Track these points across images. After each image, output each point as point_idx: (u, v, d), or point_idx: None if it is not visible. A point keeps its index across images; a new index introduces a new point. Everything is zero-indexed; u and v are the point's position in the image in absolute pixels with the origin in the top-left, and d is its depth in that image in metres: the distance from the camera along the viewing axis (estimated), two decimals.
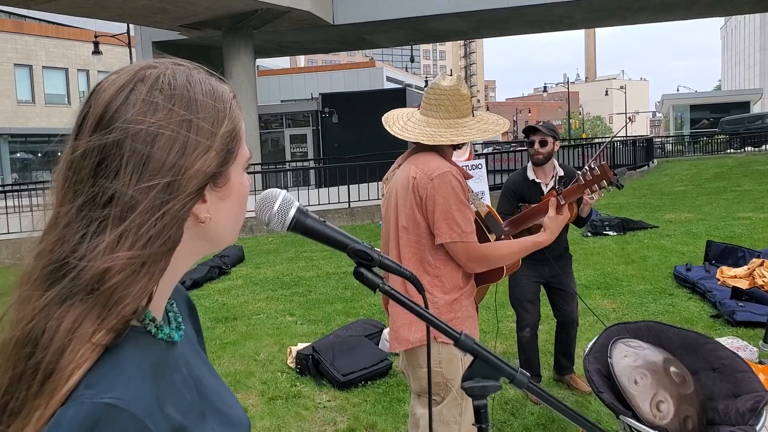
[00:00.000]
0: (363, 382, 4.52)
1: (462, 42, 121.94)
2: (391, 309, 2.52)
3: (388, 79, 39.00)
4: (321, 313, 6.51)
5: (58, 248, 0.72)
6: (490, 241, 2.49)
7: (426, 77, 52.03)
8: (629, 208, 12.17)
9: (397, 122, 2.46)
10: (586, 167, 2.71)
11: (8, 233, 12.20)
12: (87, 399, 0.66)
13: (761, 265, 6.07)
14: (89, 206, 0.72)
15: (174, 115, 0.74)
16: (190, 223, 0.78)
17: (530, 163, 4.20)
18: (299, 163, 24.60)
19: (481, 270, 2.43)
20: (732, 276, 6.13)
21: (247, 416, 0.94)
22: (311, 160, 25.10)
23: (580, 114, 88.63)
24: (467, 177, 2.42)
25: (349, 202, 13.99)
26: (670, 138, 38.09)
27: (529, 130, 4.15)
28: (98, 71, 30.08)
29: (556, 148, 4.13)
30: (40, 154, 34.55)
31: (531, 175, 4.16)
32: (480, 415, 1.06)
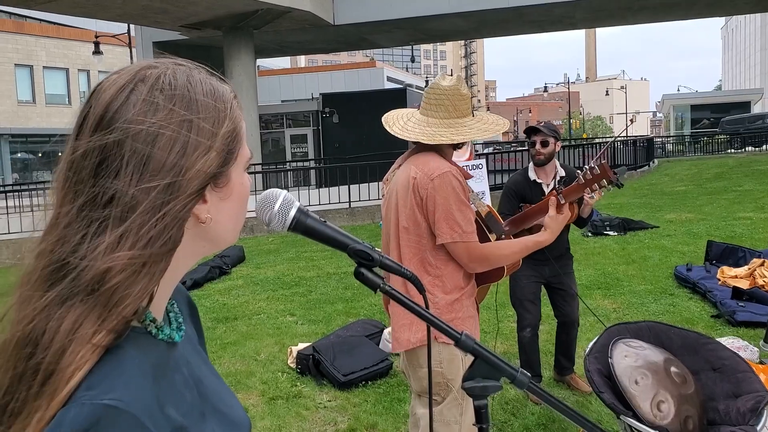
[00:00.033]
0: (363, 382, 4.52)
1: (462, 42, 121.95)
2: (391, 309, 2.52)
3: (389, 79, 39.01)
4: (321, 313, 6.52)
5: (59, 248, 0.72)
6: (490, 241, 2.48)
7: (426, 77, 52.03)
8: (630, 208, 12.17)
9: (397, 122, 2.46)
10: (586, 167, 2.71)
11: (9, 233, 12.21)
12: (87, 400, 0.66)
13: (762, 265, 6.06)
14: (90, 206, 0.72)
15: (175, 115, 0.74)
16: (191, 223, 0.78)
17: (531, 163, 4.19)
18: (300, 163, 24.58)
19: (482, 270, 2.43)
20: (733, 276, 6.13)
21: (248, 416, 0.94)
22: (312, 160, 25.09)
23: (580, 114, 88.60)
24: (467, 177, 2.42)
25: (349, 202, 13.99)
26: (671, 138, 38.06)
27: (531, 131, 4.15)
28: (99, 71, 30.07)
29: (557, 149, 4.13)
30: (40, 154, 34.57)
31: (532, 175, 4.16)
32: (481, 415, 1.06)
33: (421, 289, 1.05)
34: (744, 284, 5.83)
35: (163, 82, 0.76)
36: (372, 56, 70.53)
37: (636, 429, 2.66)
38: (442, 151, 2.43)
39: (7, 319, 0.72)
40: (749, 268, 6.14)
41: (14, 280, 0.74)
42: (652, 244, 8.69)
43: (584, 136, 55.98)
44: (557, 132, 4.16)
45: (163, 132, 0.73)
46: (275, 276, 8.56)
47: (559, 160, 4.25)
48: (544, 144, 4.07)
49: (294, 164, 24.48)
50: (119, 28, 22.11)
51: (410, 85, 35.86)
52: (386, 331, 5.08)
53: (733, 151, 29.61)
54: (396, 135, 2.41)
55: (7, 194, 16.82)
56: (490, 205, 2.91)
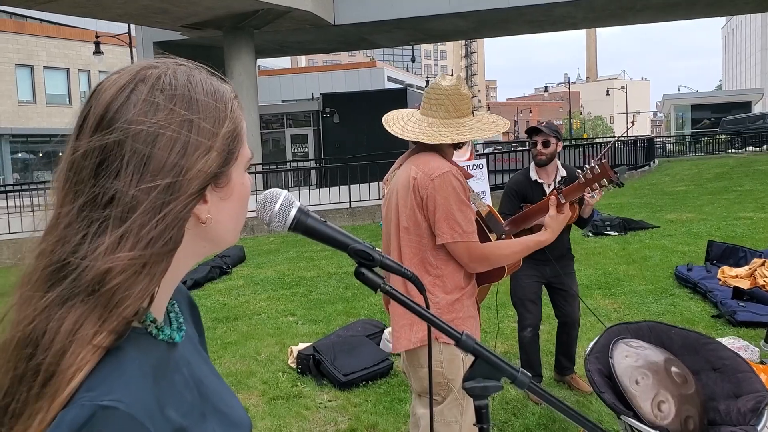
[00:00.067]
0: (364, 382, 4.52)
1: (463, 42, 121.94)
2: (392, 309, 2.52)
3: (389, 79, 39.01)
4: (322, 313, 6.52)
5: (59, 249, 0.71)
6: (491, 240, 2.48)
7: (427, 77, 52.04)
8: (630, 208, 12.16)
9: (398, 122, 2.46)
10: (587, 166, 2.71)
11: (9, 233, 12.22)
12: (87, 401, 0.65)
13: (762, 265, 6.06)
14: (90, 207, 0.72)
15: (175, 116, 0.74)
16: (192, 223, 0.78)
17: (533, 163, 4.19)
18: (300, 163, 24.58)
19: (482, 270, 2.43)
20: (733, 276, 6.13)
21: (249, 416, 0.94)
22: (312, 160, 25.07)
23: (581, 114, 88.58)
24: (468, 177, 2.42)
25: (350, 202, 13.99)
26: (671, 138, 38.05)
27: (532, 131, 4.15)
28: (99, 71, 30.09)
29: (558, 149, 4.12)
30: (41, 154, 34.59)
31: (533, 175, 4.16)
32: (481, 416, 1.06)
33: (421, 289, 1.05)
34: (745, 284, 5.83)
35: (163, 82, 0.76)
36: (372, 56, 70.53)
37: (637, 429, 2.66)
38: (443, 151, 2.43)
39: (7, 320, 0.72)
40: (750, 268, 6.14)
41: (15, 280, 0.74)
42: (653, 244, 8.69)
43: (585, 136, 55.95)
44: (559, 132, 4.15)
45: (164, 132, 0.73)
46: (276, 276, 8.56)
47: (560, 160, 4.25)
48: (546, 144, 4.06)
49: (294, 164, 24.47)
50: (120, 28, 22.12)
51: (411, 85, 35.86)
52: (387, 331, 5.08)
53: (733, 151, 29.60)
54: (396, 135, 2.41)
55: (8, 194, 16.83)
56: (491, 205, 2.91)
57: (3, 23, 32.18)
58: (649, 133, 67.56)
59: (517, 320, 4.35)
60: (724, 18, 75.60)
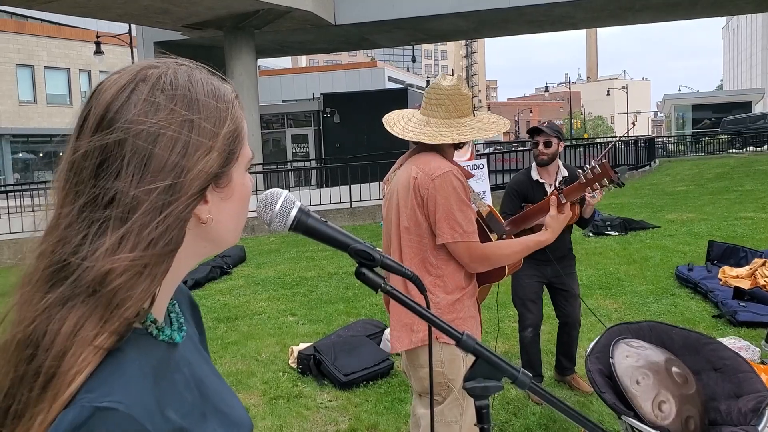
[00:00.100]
0: (364, 382, 4.52)
1: (463, 42, 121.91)
2: (392, 309, 2.51)
3: (390, 79, 39.01)
4: (322, 313, 6.52)
5: (60, 249, 0.71)
6: (491, 240, 2.48)
7: (428, 77, 52.02)
8: (631, 208, 12.16)
9: (398, 122, 2.46)
10: (587, 166, 2.71)
11: (10, 233, 12.22)
12: (87, 403, 0.65)
13: (763, 265, 6.06)
14: (90, 207, 0.72)
15: (175, 116, 0.74)
16: (192, 224, 0.77)
17: (534, 163, 4.19)
18: (301, 163, 24.58)
19: (483, 270, 2.43)
20: (734, 276, 6.13)
21: (249, 417, 0.94)
22: (313, 160, 25.06)
23: (581, 114, 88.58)
24: (468, 176, 2.42)
25: (350, 202, 14.00)
26: (672, 138, 38.04)
27: (534, 131, 4.15)
28: (100, 71, 30.09)
29: (560, 149, 4.12)
30: (41, 155, 34.60)
31: (535, 175, 4.15)
32: (482, 416, 1.05)
33: (422, 289, 1.05)
34: (745, 284, 5.83)
35: (164, 81, 0.75)
36: (373, 56, 70.53)
37: (637, 429, 2.66)
38: (443, 151, 2.43)
39: (7, 320, 0.72)
40: (750, 268, 6.14)
41: (15, 280, 0.74)
42: (654, 244, 8.69)
43: (585, 136, 55.94)
44: (560, 132, 4.15)
45: (164, 132, 0.73)
46: (276, 276, 8.56)
47: (561, 161, 4.25)
48: (547, 144, 4.06)
49: (295, 164, 24.47)
50: (120, 28, 22.12)
51: (411, 85, 35.85)
52: (387, 331, 5.08)
53: (734, 151, 29.60)
54: (397, 135, 2.41)
55: (8, 194, 16.83)
56: (491, 205, 2.91)
57: (4, 23, 32.20)
58: (650, 133, 67.54)
59: (518, 320, 4.35)
60: (724, 18, 75.59)
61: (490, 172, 10.41)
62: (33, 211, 12.80)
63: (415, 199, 2.34)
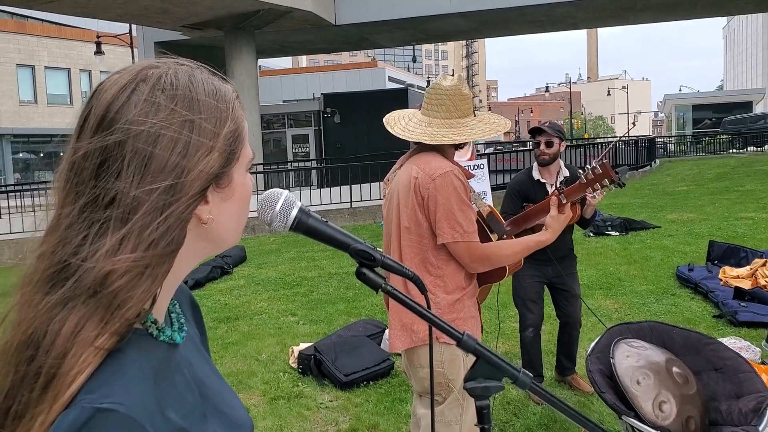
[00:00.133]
0: (365, 383, 4.52)
1: (464, 42, 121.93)
2: (391, 309, 2.51)
3: (390, 79, 39.01)
4: (323, 313, 6.52)
5: (60, 250, 0.71)
6: (492, 240, 2.48)
7: (428, 77, 52.03)
8: (631, 208, 12.16)
9: (399, 123, 2.46)
10: (588, 166, 2.71)
11: (10, 233, 12.22)
12: (87, 404, 0.65)
13: (764, 265, 6.06)
14: (91, 207, 0.71)
15: (176, 116, 0.74)
16: (193, 224, 0.77)
17: (536, 163, 4.19)
18: (301, 164, 24.59)
19: (483, 270, 2.43)
20: (734, 276, 6.13)
21: (250, 417, 0.94)
22: (313, 160, 25.07)
23: (582, 114, 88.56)
24: (469, 176, 2.42)
25: (351, 202, 14.00)
26: (673, 138, 38.03)
27: (535, 131, 4.14)
28: (100, 71, 30.10)
29: (561, 149, 4.12)
30: (42, 155, 34.61)
31: (536, 175, 4.15)
32: (482, 416, 1.05)
33: (422, 289, 1.05)
34: (746, 284, 5.83)
35: (164, 82, 0.75)
36: (373, 56, 70.52)
37: (638, 429, 2.66)
38: (444, 151, 2.43)
39: (8, 321, 0.72)
40: (751, 269, 6.13)
41: (16, 280, 0.74)
42: (654, 244, 8.68)
43: (586, 136, 55.93)
44: (562, 132, 4.14)
45: (165, 132, 0.73)
46: (277, 276, 8.56)
47: (562, 161, 4.24)
48: (549, 144, 4.06)
49: (295, 164, 24.47)
50: (121, 28, 22.13)
51: (412, 85, 35.85)
52: (387, 331, 5.08)
53: (734, 151, 29.58)
54: (397, 135, 2.41)
55: (9, 194, 16.84)
56: (492, 205, 2.91)
57: (4, 23, 32.21)
58: (651, 133, 67.53)
59: (519, 320, 4.35)
60: (725, 18, 75.55)
61: (490, 172, 10.39)
62: (33, 211, 12.82)
63: (416, 199, 2.34)
